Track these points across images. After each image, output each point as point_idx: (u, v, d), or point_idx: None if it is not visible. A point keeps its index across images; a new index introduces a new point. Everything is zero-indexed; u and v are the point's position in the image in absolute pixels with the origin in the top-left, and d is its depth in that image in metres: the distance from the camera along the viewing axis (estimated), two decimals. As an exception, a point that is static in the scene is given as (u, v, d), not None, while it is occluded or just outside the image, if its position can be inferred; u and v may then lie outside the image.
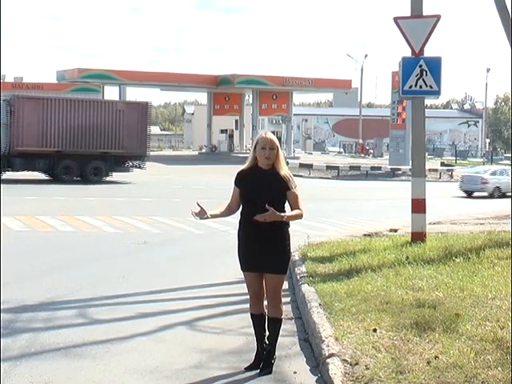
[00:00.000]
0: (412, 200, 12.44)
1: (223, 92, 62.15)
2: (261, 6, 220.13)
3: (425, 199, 12.42)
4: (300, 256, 10.96)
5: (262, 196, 5.73)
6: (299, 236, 11.98)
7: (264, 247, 5.80)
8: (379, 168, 47.82)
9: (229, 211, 6.02)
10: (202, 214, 5.77)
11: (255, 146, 5.83)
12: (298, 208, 5.79)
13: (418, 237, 12.00)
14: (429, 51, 12.46)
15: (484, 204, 24.57)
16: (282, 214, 5.65)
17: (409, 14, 12.46)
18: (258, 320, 6.05)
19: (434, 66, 12.29)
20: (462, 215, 19.23)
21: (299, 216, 5.81)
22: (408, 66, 12.28)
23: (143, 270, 10.84)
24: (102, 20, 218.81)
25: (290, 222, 5.91)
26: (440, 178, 46.32)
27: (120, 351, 6.49)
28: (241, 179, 5.93)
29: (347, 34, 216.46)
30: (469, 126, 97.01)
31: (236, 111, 64.74)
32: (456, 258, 10.14)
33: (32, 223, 15.62)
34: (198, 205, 5.86)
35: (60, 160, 31.51)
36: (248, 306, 6.15)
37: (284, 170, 5.82)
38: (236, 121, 67.08)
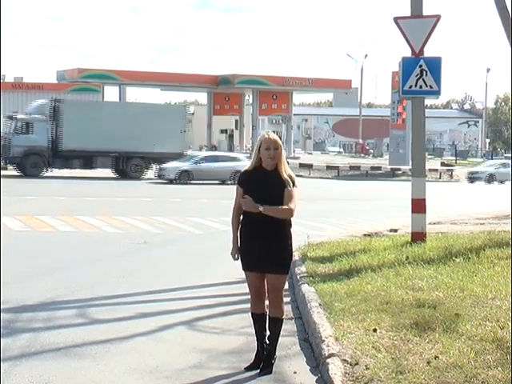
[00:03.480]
0: (412, 200, 12.43)
1: (223, 92, 62.20)
2: (260, 6, 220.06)
3: (425, 199, 12.41)
4: (300, 256, 10.95)
5: (265, 196, 5.74)
6: (299, 236, 11.94)
7: (266, 247, 5.80)
8: (379, 168, 47.88)
9: (239, 216, 5.98)
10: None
11: (259, 147, 5.83)
12: (288, 205, 5.72)
13: (418, 237, 11.99)
14: (429, 51, 12.47)
15: (484, 204, 24.55)
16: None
17: (409, 14, 12.46)
18: (258, 319, 6.05)
19: (434, 66, 12.28)
20: (462, 215, 19.19)
21: (286, 212, 5.74)
22: (408, 66, 12.28)
23: (143, 270, 10.83)
24: (102, 20, 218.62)
25: (292, 222, 5.92)
26: (440, 177, 46.37)
27: (120, 351, 6.49)
28: (245, 179, 5.94)
29: (347, 34, 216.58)
30: (469, 125, 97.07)
31: (236, 111, 64.77)
32: (456, 257, 10.13)
33: (32, 223, 15.61)
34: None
35: None
36: (248, 305, 6.16)
37: (287, 172, 5.83)
38: (236, 121, 67.10)
